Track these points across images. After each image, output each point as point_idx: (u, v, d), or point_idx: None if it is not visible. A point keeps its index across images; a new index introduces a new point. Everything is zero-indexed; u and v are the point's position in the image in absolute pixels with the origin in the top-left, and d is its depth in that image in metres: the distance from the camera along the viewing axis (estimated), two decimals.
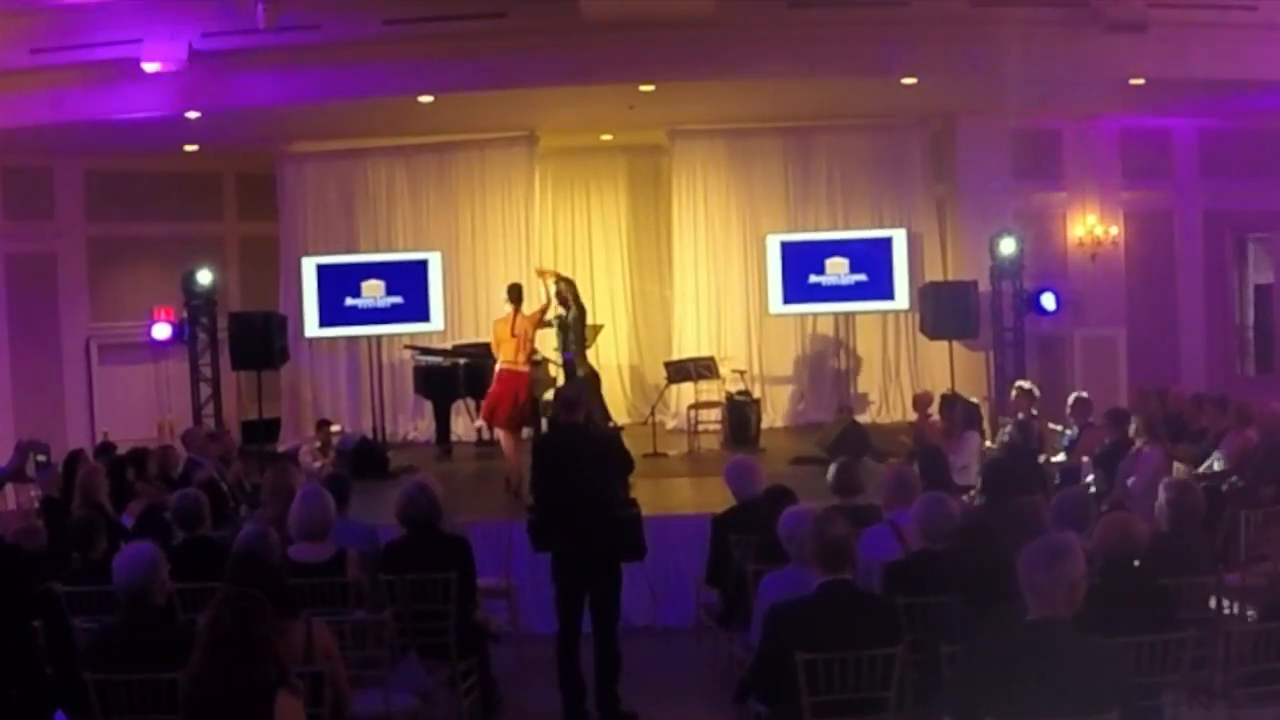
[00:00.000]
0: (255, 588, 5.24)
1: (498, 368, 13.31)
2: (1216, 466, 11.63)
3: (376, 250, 18.09)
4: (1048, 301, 16.78)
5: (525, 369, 13.29)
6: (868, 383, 18.38)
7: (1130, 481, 10.56)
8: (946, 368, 16.90)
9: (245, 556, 6.39)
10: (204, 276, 16.90)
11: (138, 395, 18.43)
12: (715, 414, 16.54)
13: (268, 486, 9.08)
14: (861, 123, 18.00)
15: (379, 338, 17.45)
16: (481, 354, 15.93)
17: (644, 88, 14.92)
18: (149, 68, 13.76)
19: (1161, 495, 7.40)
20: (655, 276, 19.20)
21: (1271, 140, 17.31)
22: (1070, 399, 13.20)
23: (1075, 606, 4.75)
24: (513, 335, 13.15)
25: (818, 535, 5.98)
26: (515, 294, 13.39)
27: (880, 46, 14.30)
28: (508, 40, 14.11)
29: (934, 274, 17.86)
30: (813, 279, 17.21)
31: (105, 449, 13.87)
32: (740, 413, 16.13)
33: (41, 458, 12.14)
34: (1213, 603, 7.18)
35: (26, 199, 17.60)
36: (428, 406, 17.31)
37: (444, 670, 7.70)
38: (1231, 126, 17.52)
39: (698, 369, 16.25)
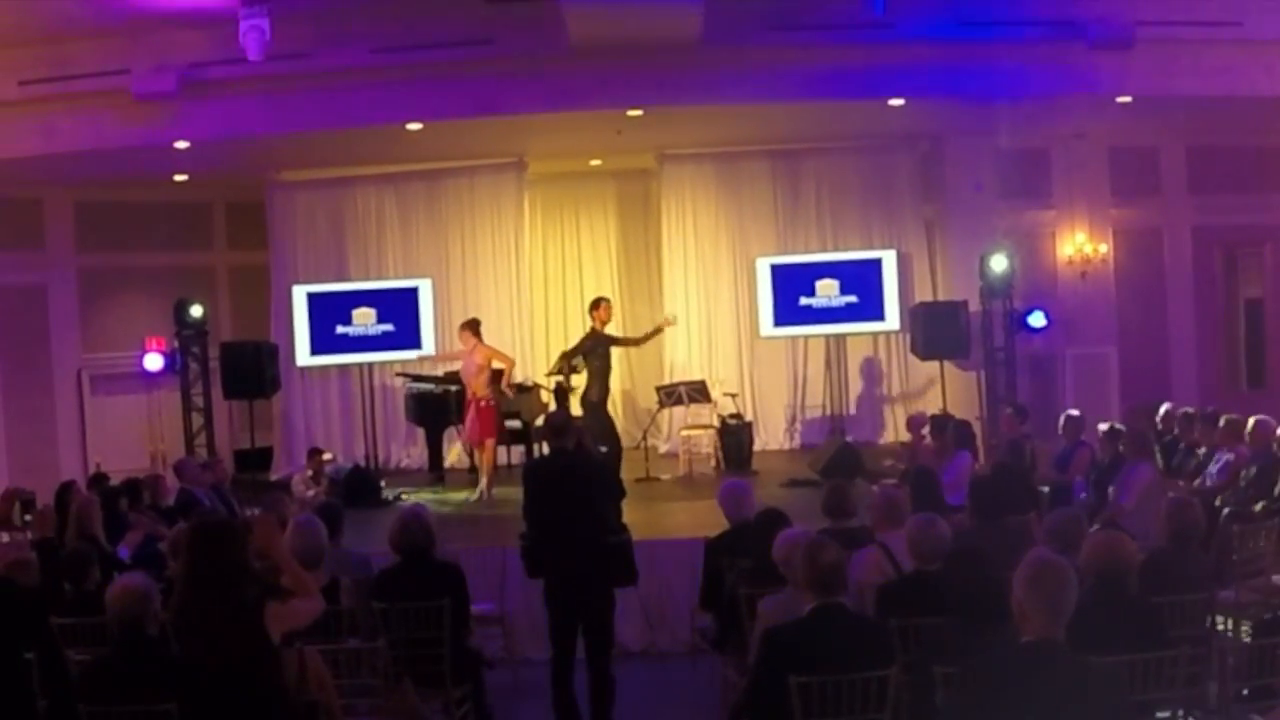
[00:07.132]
0: (223, 553, 5.41)
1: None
2: (1209, 483, 11.65)
3: (367, 278, 18.10)
4: (1038, 320, 16.78)
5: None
6: (859, 404, 18.38)
7: (1123, 499, 10.57)
8: (938, 388, 16.92)
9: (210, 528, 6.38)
10: (195, 308, 16.85)
11: (130, 426, 18.40)
12: (708, 437, 16.53)
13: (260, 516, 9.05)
14: (850, 144, 18.03)
15: (370, 365, 17.46)
16: None
17: (632, 113, 14.93)
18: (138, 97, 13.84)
19: (1162, 512, 7.40)
20: (646, 301, 19.13)
21: (1258, 156, 17.39)
22: (1062, 418, 13.21)
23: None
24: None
25: (809, 562, 5.97)
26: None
27: (867, 68, 14.35)
28: (495, 67, 14.14)
29: (924, 294, 17.88)
30: (803, 301, 17.27)
31: (98, 479, 13.83)
32: (733, 436, 16.14)
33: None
34: (1208, 619, 7.18)
35: (16, 230, 17.58)
36: (420, 433, 17.31)
37: (438, 698, 7.68)
38: (1219, 143, 17.57)
39: (689, 393, 16.23)
